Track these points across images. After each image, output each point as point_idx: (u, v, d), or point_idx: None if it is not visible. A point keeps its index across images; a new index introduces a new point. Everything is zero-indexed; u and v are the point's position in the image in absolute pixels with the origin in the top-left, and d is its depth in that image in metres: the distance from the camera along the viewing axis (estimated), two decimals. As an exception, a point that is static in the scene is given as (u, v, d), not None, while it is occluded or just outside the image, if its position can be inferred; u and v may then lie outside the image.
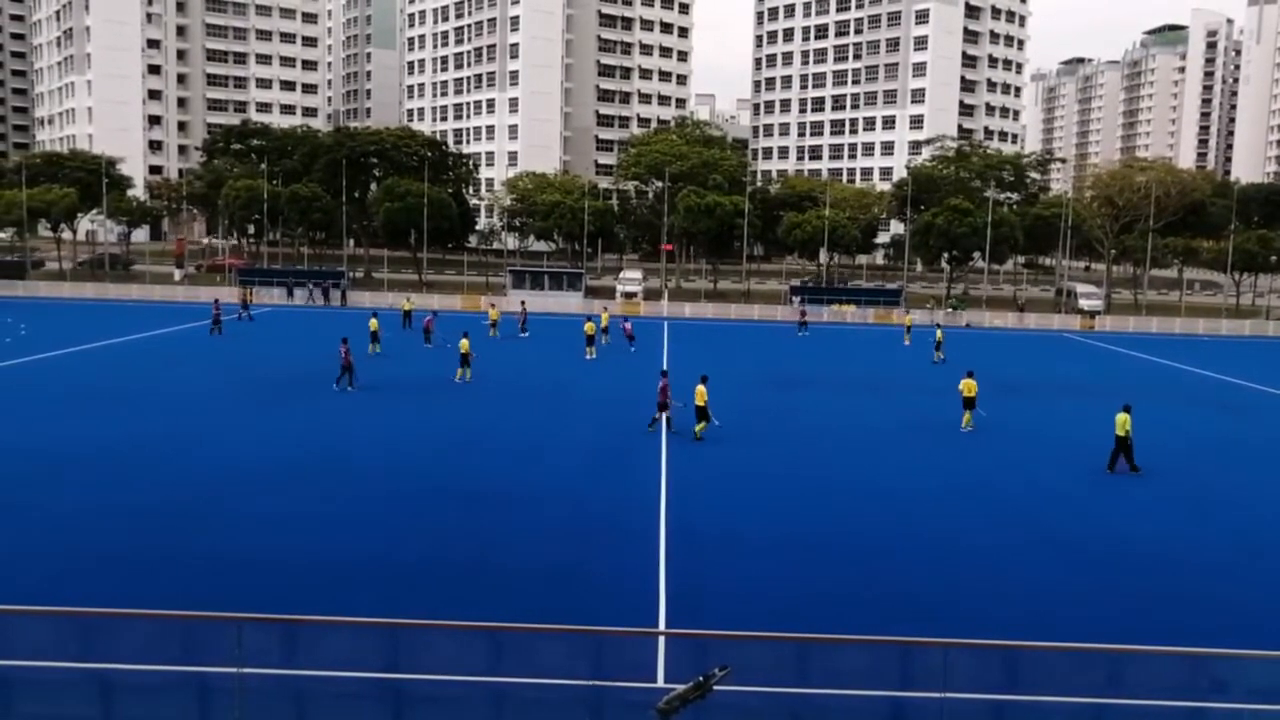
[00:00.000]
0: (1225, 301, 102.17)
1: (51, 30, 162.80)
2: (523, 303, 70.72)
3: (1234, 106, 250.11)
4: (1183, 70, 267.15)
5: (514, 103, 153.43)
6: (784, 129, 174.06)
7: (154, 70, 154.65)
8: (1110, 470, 29.61)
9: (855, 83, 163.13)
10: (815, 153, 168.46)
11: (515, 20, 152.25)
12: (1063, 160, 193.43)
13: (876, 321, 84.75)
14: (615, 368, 50.77)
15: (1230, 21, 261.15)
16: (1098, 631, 17.39)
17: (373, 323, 54.06)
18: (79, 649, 13.44)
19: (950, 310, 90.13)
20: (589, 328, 55.60)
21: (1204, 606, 19.27)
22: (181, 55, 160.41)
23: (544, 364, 51.51)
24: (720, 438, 33.06)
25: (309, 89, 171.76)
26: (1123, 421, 29.57)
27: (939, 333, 59.52)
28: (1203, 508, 26.73)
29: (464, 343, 43.78)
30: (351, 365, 39.83)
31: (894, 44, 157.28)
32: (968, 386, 35.96)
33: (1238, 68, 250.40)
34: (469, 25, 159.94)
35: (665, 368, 35.05)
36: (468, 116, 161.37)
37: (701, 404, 32.36)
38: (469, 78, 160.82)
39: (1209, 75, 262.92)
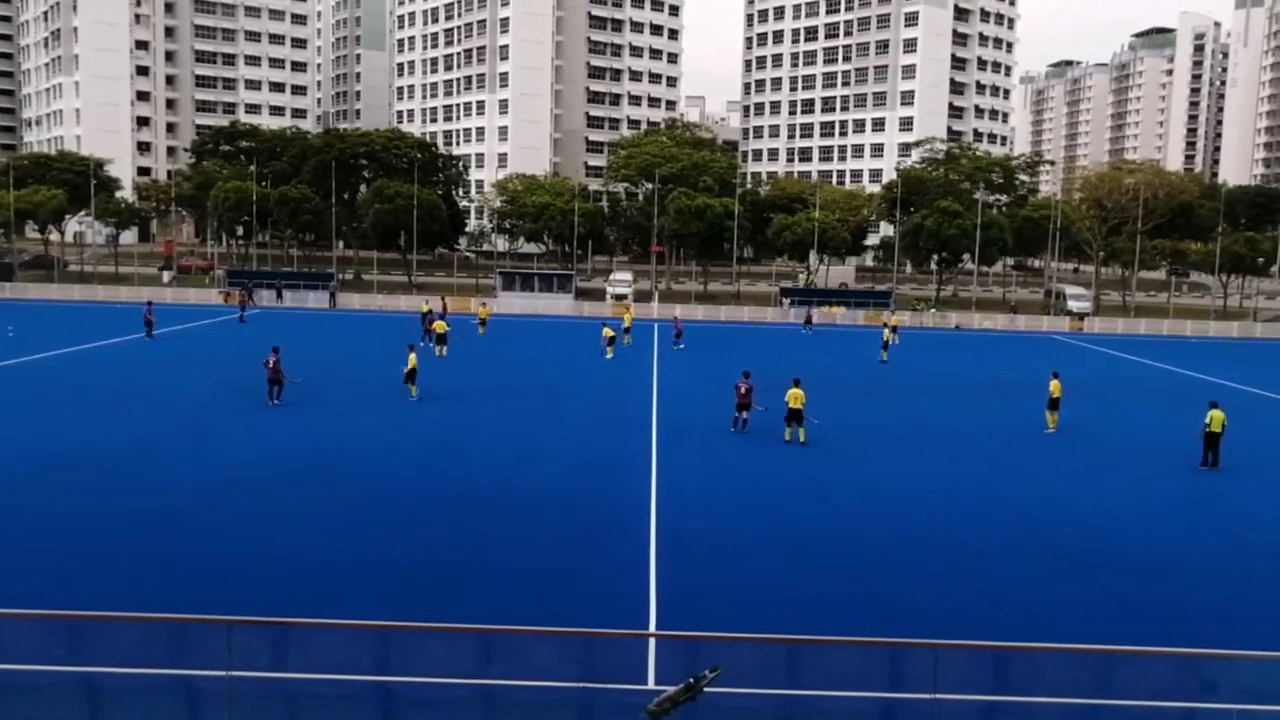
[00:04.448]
0: (1213, 303, 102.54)
1: (39, 31, 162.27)
2: (440, 303, 70.42)
3: (1221, 109, 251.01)
4: (1170, 73, 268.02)
5: (504, 104, 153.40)
6: (774, 131, 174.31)
7: (142, 72, 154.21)
8: (1204, 467, 30.64)
9: (845, 85, 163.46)
10: (805, 155, 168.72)
11: (505, 22, 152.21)
12: (1051, 162, 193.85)
13: (867, 323, 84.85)
14: (609, 370, 50.78)
15: (1218, 25, 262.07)
16: (1089, 633, 17.44)
17: (439, 325, 53.83)
18: (68, 652, 13.40)
19: (921, 310, 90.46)
20: (607, 332, 56.23)
21: (1195, 608, 19.33)
22: (170, 57, 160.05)
23: (538, 365, 51.48)
24: (711, 439, 33.11)
25: (298, 90, 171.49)
26: (1221, 419, 30.57)
27: (886, 331, 59.55)
28: (1195, 509, 26.82)
29: (411, 358, 39.37)
30: (279, 378, 36.87)
31: (883, 46, 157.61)
32: (1054, 387, 36.45)
33: (1225, 70, 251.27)
34: (459, 27, 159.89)
35: (747, 369, 35.39)
36: (457, 118, 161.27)
37: (797, 406, 32.52)
38: (458, 79, 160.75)
39: (1196, 78, 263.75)
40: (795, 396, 32.59)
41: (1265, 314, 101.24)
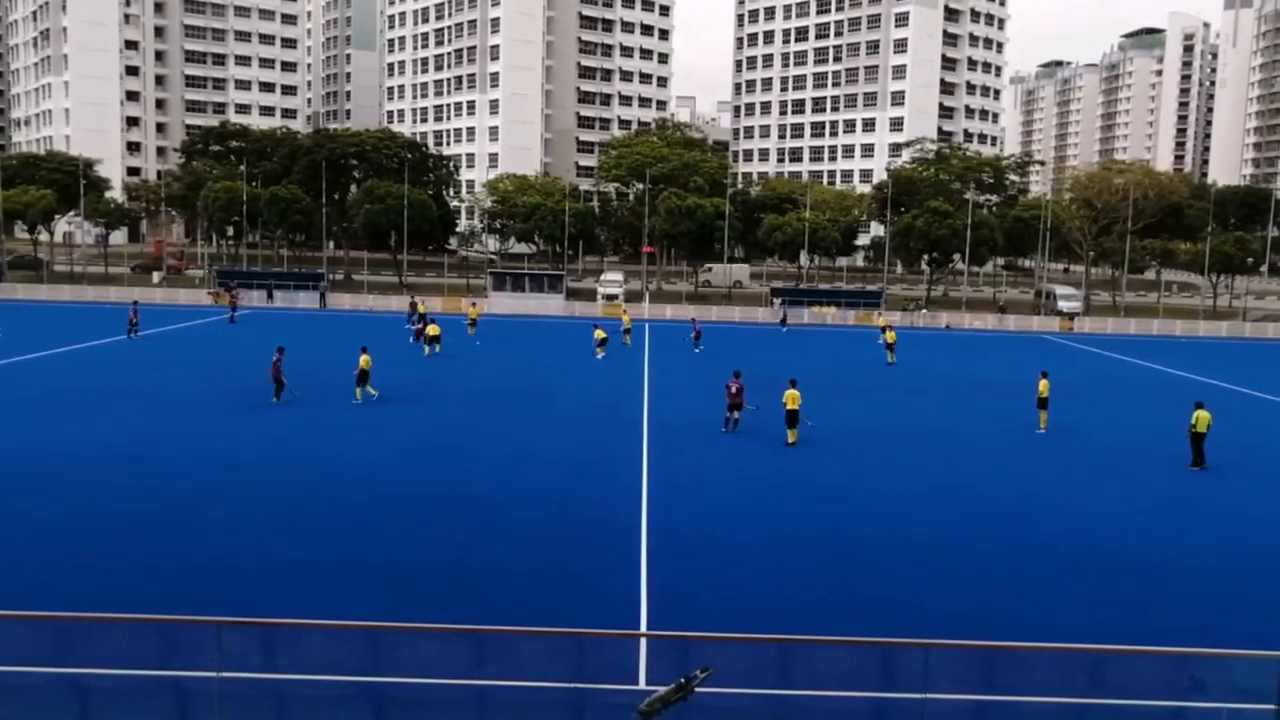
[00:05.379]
0: (1203, 303, 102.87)
1: (28, 31, 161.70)
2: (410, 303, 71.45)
3: (1210, 109, 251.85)
4: (1160, 73, 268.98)
5: (494, 104, 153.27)
6: (764, 131, 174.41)
7: (132, 71, 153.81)
8: (1193, 467, 30.64)
9: (835, 85, 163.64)
10: (796, 155, 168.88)
11: (496, 22, 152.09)
12: (1041, 163, 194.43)
13: (858, 324, 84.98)
14: (601, 370, 50.79)
15: (1207, 25, 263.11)
16: (1079, 632, 17.46)
17: (432, 328, 54.67)
18: (57, 653, 13.33)
19: (911, 310, 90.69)
20: (599, 333, 56.54)
21: (1185, 607, 19.39)
22: (160, 56, 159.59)
23: (529, 365, 51.47)
24: (702, 438, 33.11)
25: (288, 90, 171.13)
26: (1207, 419, 30.77)
27: (891, 334, 59.12)
28: (1184, 509, 26.88)
29: (365, 358, 38.78)
30: (280, 379, 37.27)
31: (874, 47, 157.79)
32: (1043, 387, 36.74)
33: (1214, 71, 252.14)
34: (449, 27, 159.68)
35: (738, 369, 35.45)
36: (448, 118, 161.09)
37: (794, 408, 32.48)
38: (449, 79, 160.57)
39: (1186, 79, 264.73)
40: (792, 398, 32.58)
41: (1254, 314, 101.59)
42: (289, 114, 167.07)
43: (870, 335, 69.26)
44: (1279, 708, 10.61)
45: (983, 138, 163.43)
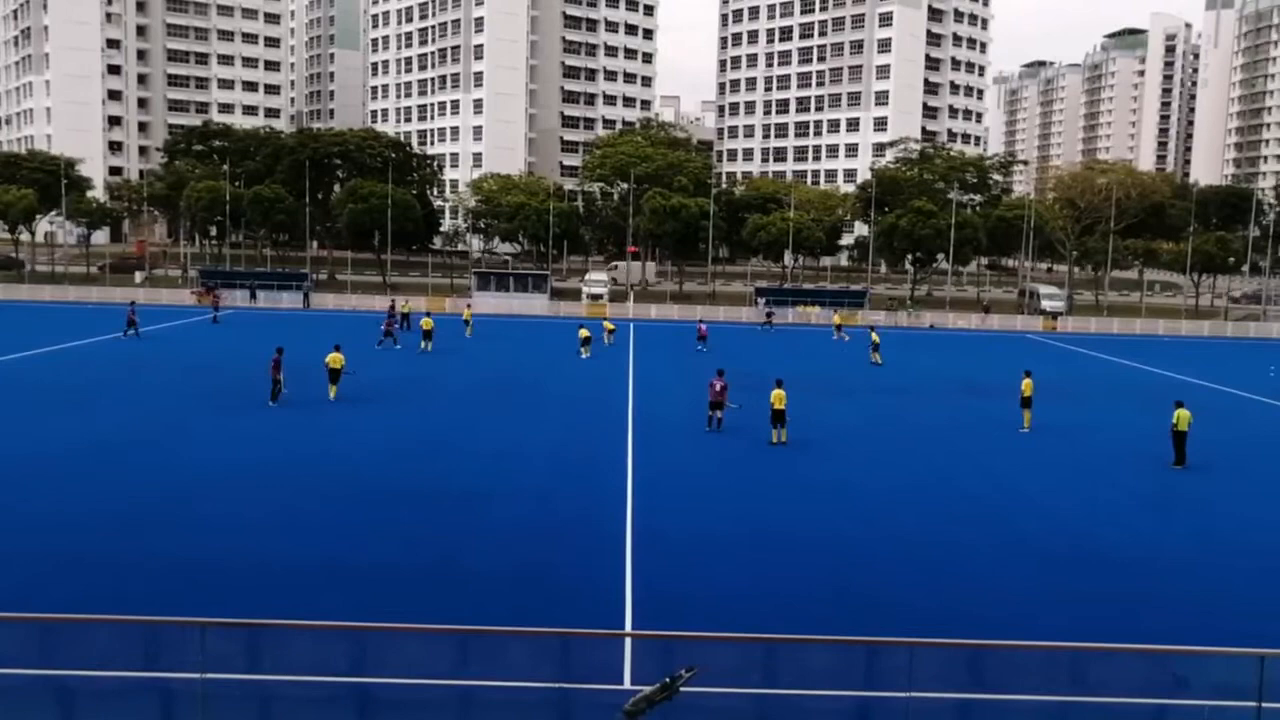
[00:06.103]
0: (1185, 302, 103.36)
1: (8, 29, 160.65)
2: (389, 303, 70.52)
3: (1192, 110, 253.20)
4: (1142, 74, 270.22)
5: (478, 104, 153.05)
6: (749, 131, 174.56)
7: (114, 70, 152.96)
8: (1175, 466, 30.72)
9: (819, 85, 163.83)
10: (780, 155, 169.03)
11: (479, 21, 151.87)
12: (1025, 162, 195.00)
13: (841, 323, 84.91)
14: (586, 369, 50.75)
15: (1189, 26, 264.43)
16: (1063, 630, 17.51)
17: (426, 321, 55.86)
18: (39, 655, 13.25)
19: (894, 309, 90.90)
20: (584, 332, 56.77)
21: (1167, 605, 19.47)
22: (142, 55, 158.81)
23: (514, 365, 51.40)
24: (686, 437, 33.13)
25: (271, 90, 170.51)
26: (1187, 418, 30.92)
27: (874, 335, 59.19)
28: (1167, 507, 27.02)
29: (334, 356, 38.75)
30: (278, 380, 37.00)
31: (858, 46, 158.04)
32: (1026, 386, 36.82)
33: (1196, 71, 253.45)
34: (433, 26, 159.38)
35: (721, 368, 35.50)
36: (431, 118, 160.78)
37: (780, 408, 32.45)
38: (433, 79, 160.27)
39: (1168, 79, 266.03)
40: (779, 398, 32.59)
41: (1236, 313, 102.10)
42: (272, 113, 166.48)
43: (859, 335, 69.25)
44: (1259, 705, 10.66)
45: (966, 137, 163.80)
